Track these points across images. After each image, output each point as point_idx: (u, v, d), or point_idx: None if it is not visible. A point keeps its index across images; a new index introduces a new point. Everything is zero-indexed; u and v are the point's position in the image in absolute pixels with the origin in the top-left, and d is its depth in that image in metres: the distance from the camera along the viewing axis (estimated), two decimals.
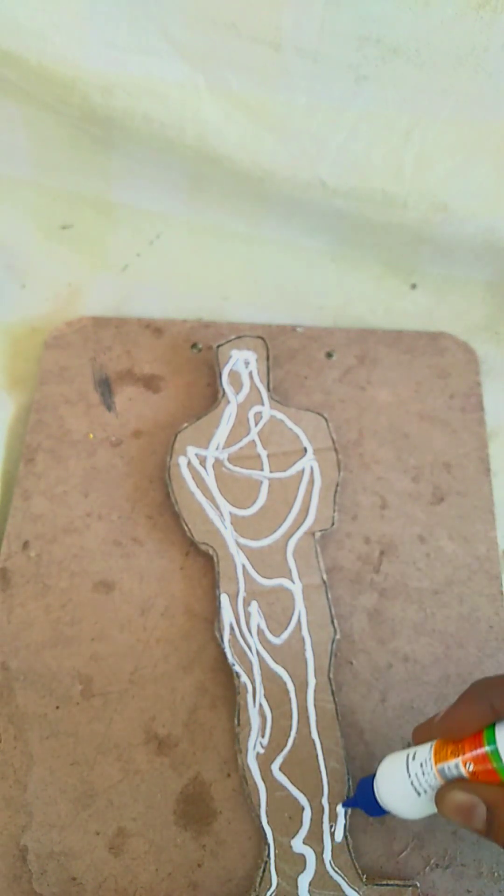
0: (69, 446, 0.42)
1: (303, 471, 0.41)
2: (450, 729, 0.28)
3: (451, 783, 0.27)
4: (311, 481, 0.40)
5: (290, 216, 0.48)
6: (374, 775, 0.30)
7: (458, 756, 0.27)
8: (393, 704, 0.36)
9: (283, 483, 0.40)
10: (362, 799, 0.31)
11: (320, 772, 0.33)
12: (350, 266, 0.51)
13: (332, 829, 0.32)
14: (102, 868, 0.32)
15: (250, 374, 0.44)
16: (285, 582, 0.38)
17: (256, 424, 0.42)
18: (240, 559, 0.38)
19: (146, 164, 0.47)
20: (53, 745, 0.34)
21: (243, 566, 0.38)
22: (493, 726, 0.26)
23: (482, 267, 0.49)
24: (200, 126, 0.43)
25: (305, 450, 0.41)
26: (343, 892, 0.31)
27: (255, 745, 0.34)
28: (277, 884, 0.31)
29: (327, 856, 0.32)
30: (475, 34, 0.38)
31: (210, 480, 0.40)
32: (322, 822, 0.32)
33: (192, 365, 0.45)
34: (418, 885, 0.31)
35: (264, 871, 0.32)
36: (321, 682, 0.35)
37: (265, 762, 0.33)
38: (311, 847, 0.32)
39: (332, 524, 0.39)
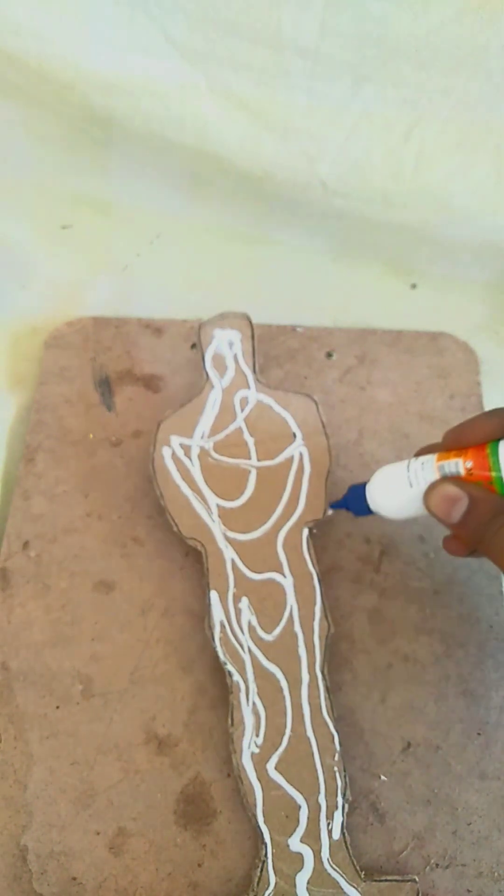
0: (69, 446, 0.42)
1: (292, 458, 0.39)
2: (461, 433, 0.31)
3: (445, 478, 0.30)
4: (301, 469, 0.39)
5: (291, 216, 0.49)
6: (366, 482, 0.33)
7: (461, 457, 0.30)
8: (393, 704, 0.36)
9: (272, 471, 0.39)
10: (352, 500, 0.34)
11: (316, 769, 0.33)
12: (350, 266, 0.51)
13: (330, 827, 0.32)
14: (102, 868, 0.32)
15: (235, 356, 0.42)
16: (276, 576, 0.37)
17: (243, 410, 0.40)
18: (229, 554, 0.37)
19: (146, 164, 0.47)
20: (53, 744, 0.34)
21: (232, 561, 0.37)
22: (499, 441, 0.29)
23: (482, 267, 0.49)
24: (200, 126, 0.43)
25: (294, 435, 0.40)
26: (342, 889, 0.31)
27: (249, 744, 0.34)
28: (275, 883, 0.31)
29: (325, 853, 0.32)
30: (475, 34, 0.38)
31: (196, 472, 0.39)
32: (319, 820, 0.32)
33: (192, 365, 0.45)
34: (416, 879, 0.31)
35: (262, 870, 0.32)
36: (315, 678, 0.35)
37: (260, 761, 0.33)
38: (308, 845, 0.32)
39: (324, 514, 0.38)
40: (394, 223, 0.46)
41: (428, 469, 0.31)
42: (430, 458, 0.31)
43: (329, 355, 0.46)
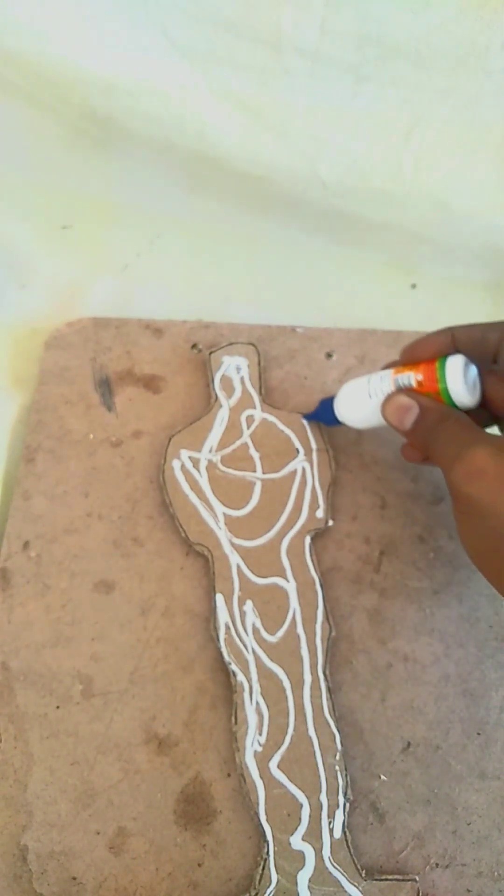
0: (69, 446, 0.42)
1: (295, 471, 0.41)
2: (414, 350, 0.35)
3: (399, 390, 0.34)
4: (304, 481, 0.41)
5: (290, 216, 0.49)
6: (334, 396, 0.38)
7: (413, 371, 0.34)
8: (393, 704, 0.36)
9: (276, 483, 0.40)
10: (322, 412, 0.40)
11: (318, 768, 0.33)
12: (350, 266, 0.51)
13: (331, 826, 0.32)
14: (102, 868, 0.32)
15: (242, 379, 0.44)
16: (279, 581, 0.38)
17: (249, 427, 0.42)
18: (234, 559, 0.38)
19: (146, 164, 0.47)
20: (54, 744, 0.34)
21: (238, 566, 0.38)
22: (446, 356, 0.33)
23: (482, 267, 0.49)
24: (200, 126, 0.43)
25: (297, 451, 0.42)
26: (342, 887, 0.31)
27: (252, 743, 0.34)
28: (277, 881, 0.31)
29: (326, 852, 0.32)
30: (475, 34, 0.38)
31: (204, 482, 0.40)
32: (321, 819, 0.32)
33: (192, 365, 0.45)
34: (417, 879, 0.31)
35: (263, 868, 0.32)
36: (317, 679, 0.35)
37: (263, 760, 0.34)
38: (309, 844, 0.32)
39: (326, 524, 0.39)
40: (394, 223, 0.46)
41: (385, 382, 0.35)
42: (388, 373, 0.35)
43: (329, 356, 0.46)
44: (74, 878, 0.32)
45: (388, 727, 0.35)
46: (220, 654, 0.36)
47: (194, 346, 0.46)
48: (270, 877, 0.31)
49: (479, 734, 0.35)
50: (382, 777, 0.34)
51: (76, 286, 0.50)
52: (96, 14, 0.40)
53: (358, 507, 0.41)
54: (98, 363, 0.45)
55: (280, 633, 0.36)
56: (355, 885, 0.31)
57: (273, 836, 0.32)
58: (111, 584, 0.38)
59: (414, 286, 0.51)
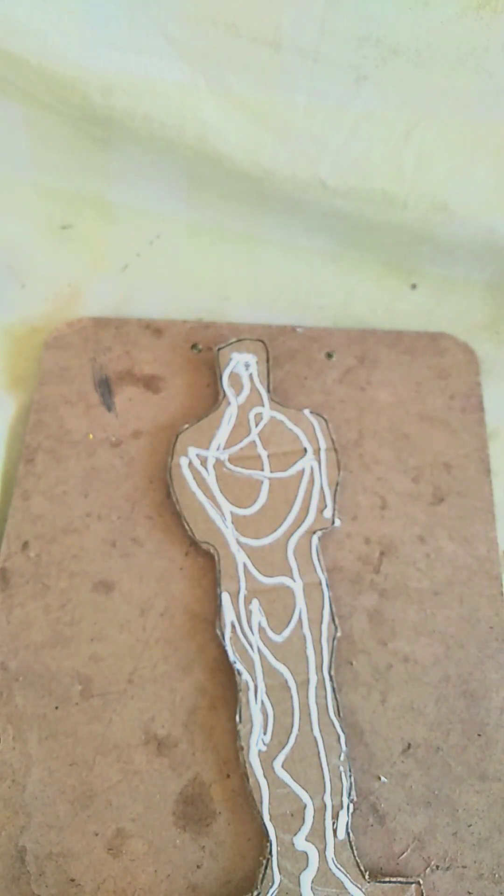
0: (69, 446, 0.42)
1: (303, 471, 0.41)
2: None
3: None
4: (312, 481, 0.40)
5: (290, 216, 0.48)
6: None
7: None
8: (393, 705, 0.36)
9: (284, 483, 0.40)
10: None
11: (322, 769, 0.33)
12: (350, 266, 0.51)
13: (335, 827, 0.32)
14: (101, 869, 0.32)
15: (250, 375, 0.44)
16: (286, 580, 0.38)
17: (257, 425, 0.42)
18: (241, 557, 0.38)
19: (146, 164, 0.47)
20: (52, 745, 0.34)
21: (244, 564, 0.38)
22: None
23: (482, 267, 0.49)
24: (200, 126, 0.43)
25: (305, 450, 0.41)
26: (346, 889, 0.31)
27: (256, 742, 0.34)
28: (280, 881, 0.31)
29: (329, 853, 0.32)
30: (475, 34, 0.38)
31: (211, 480, 0.40)
32: (324, 820, 0.32)
33: (192, 365, 0.45)
34: (421, 881, 0.31)
35: (266, 868, 0.31)
36: (322, 679, 0.35)
37: (267, 759, 0.33)
38: (313, 844, 0.32)
39: (333, 523, 0.39)
40: (394, 223, 0.46)
41: None
42: None
43: (329, 356, 0.46)
44: (73, 880, 0.32)
45: (388, 728, 0.35)
46: (222, 654, 0.36)
47: (194, 345, 0.46)
48: (273, 877, 0.31)
49: (479, 735, 0.35)
50: (382, 778, 0.34)
51: (76, 286, 0.50)
52: (96, 14, 0.40)
53: (358, 507, 0.41)
54: (98, 363, 0.45)
55: (286, 633, 0.36)
56: (358, 887, 0.31)
57: (276, 837, 0.32)
58: (110, 584, 0.38)
59: (414, 286, 0.51)
